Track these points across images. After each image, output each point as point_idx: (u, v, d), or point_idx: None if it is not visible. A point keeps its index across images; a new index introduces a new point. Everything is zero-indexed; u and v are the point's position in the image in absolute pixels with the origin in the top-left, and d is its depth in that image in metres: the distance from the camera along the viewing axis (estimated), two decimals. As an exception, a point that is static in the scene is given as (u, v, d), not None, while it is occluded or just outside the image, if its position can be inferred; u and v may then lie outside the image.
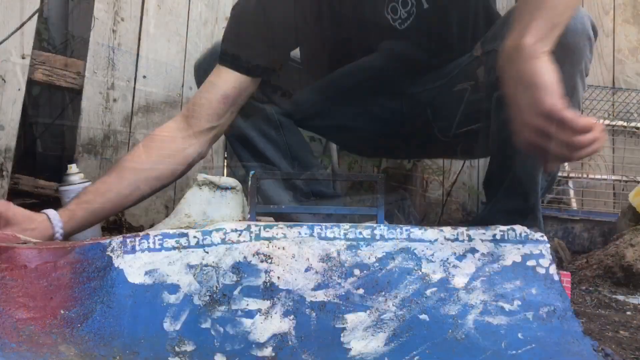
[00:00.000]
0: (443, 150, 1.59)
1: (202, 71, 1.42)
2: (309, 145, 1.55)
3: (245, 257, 0.78)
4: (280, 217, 1.36)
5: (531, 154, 0.88)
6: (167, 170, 1.18)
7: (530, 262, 0.78)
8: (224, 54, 1.26)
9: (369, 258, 0.79)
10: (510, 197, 1.18)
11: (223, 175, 2.59)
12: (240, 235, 0.79)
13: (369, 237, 0.80)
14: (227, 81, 1.24)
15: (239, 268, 0.77)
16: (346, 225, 0.81)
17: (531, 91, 0.82)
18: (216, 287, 0.76)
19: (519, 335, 0.72)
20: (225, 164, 2.61)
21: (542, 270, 0.78)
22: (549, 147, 0.81)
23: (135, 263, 0.76)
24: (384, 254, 0.79)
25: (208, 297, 0.75)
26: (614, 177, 2.96)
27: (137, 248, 0.77)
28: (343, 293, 0.76)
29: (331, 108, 1.45)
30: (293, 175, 1.36)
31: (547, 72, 0.82)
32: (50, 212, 1.04)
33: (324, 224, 0.81)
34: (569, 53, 0.99)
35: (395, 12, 1.23)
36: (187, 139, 1.21)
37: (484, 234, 0.80)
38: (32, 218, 1.01)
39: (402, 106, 1.39)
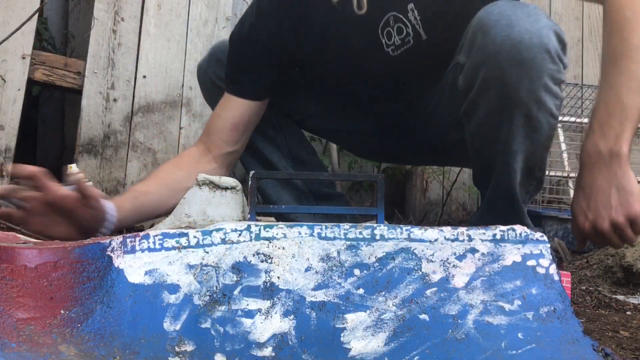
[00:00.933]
0: (443, 158, 1.59)
1: (203, 72, 1.42)
2: (310, 144, 1.55)
3: (245, 257, 0.78)
4: (281, 217, 1.36)
5: (594, 241, 1.05)
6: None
7: (530, 262, 0.78)
8: (229, 82, 1.29)
9: (369, 258, 0.79)
10: (492, 207, 1.18)
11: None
12: (240, 235, 0.79)
13: (369, 237, 0.80)
14: (236, 109, 1.27)
15: (239, 268, 0.77)
16: (346, 225, 0.81)
17: (624, 194, 0.98)
18: (216, 287, 0.76)
19: (519, 335, 0.72)
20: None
21: (542, 270, 0.78)
22: (613, 240, 1.00)
23: (135, 263, 0.76)
24: (384, 254, 0.79)
25: (208, 297, 0.75)
26: (614, 177, 2.96)
27: (137, 248, 0.78)
28: (343, 293, 0.76)
29: (328, 112, 1.45)
30: (293, 175, 1.36)
31: (635, 180, 0.99)
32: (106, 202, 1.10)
33: (324, 224, 0.81)
34: (526, 69, 1.00)
35: (390, 38, 1.21)
36: (209, 163, 1.27)
37: (484, 234, 0.80)
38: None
39: (401, 112, 1.39)
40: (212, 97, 1.41)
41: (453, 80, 1.17)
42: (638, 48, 1.00)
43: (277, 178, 1.37)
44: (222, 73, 1.34)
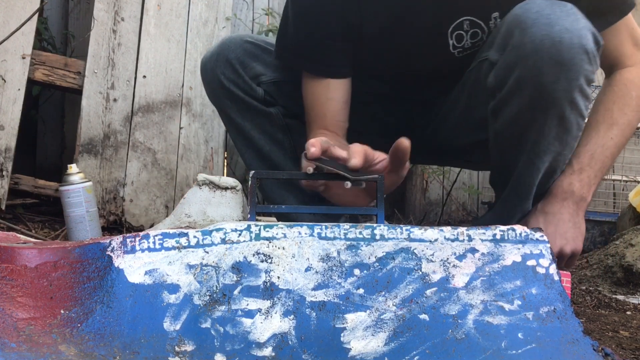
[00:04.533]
0: (451, 158, 1.57)
1: (209, 71, 1.37)
2: None
3: (245, 257, 0.78)
4: (284, 218, 1.35)
5: None
6: None
7: (530, 262, 0.78)
8: (320, 65, 1.24)
9: (369, 258, 0.79)
10: (508, 206, 1.18)
11: (223, 175, 2.58)
12: (240, 235, 0.79)
13: (369, 237, 0.80)
14: (340, 89, 1.24)
15: (239, 268, 0.77)
16: (346, 225, 0.81)
17: (578, 232, 1.14)
18: (216, 287, 0.76)
19: (519, 335, 0.72)
20: (225, 163, 2.61)
21: (542, 270, 0.78)
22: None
23: (135, 263, 0.76)
24: (384, 253, 0.79)
25: (208, 297, 0.75)
26: (614, 177, 2.96)
27: (137, 248, 0.78)
28: (343, 293, 0.76)
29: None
30: (293, 175, 1.35)
31: (584, 225, 1.17)
32: None
33: (324, 224, 0.81)
34: (565, 69, 1.00)
35: (459, 40, 1.20)
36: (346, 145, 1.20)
37: (484, 233, 0.80)
38: None
39: (418, 111, 1.37)
40: (218, 98, 1.37)
41: (476, 78, 1.17)
42: (630, 124, 1.17)
43: (277, 178, 1.36)
44: (232, 75, 1.32)
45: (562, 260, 1.14)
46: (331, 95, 1.24)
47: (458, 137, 1.32)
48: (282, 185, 1.41)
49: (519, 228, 0.81)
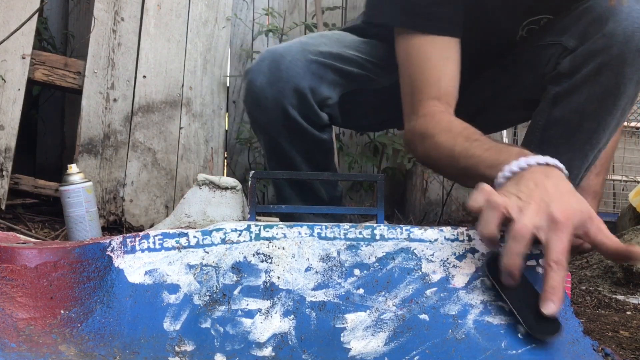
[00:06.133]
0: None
1: (271, 98, 1.21)
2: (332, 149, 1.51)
3: (245, 257, 0.78)
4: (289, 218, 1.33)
5: None
6: None
7: (530, 262, 0.78)
8: (432, 20, 1.10)
9: (369, 258, 0.79)
10: None
11: (223, 175, 2.58)
12: (240, 235, 0.79)
13: (369, 237, 0.80)
14: (452, 49, 1.11)
15: (239, 268, 0.77)
16: (346, 225, 0.81)
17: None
18: (216, 287, 0.76)
19: (519, 335, 0.72)
20: (225, 163, 2.61)
21: (542, 270, 0.78)
22: None
23: (135, 263, 0.76)
24: (384, 254, 0.79)
25: (208, 297, 0.75)
26: (614, 177, 2.96)
27: (137, 248, 0.77)
28: (343, 293, 0.76)
29: (386, 102, 1.33)
30: (293, 175, 1.35)
31: None
32: None
33: (324, 224, 0.81)
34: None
35: (530, 32, 1.21)
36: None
37: (484, 233, 0.80)
38: None
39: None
40: (276, 127, 1.23)
41: (531, 61, 1.17)
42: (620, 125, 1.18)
43: (277, 178, 1.36)
44: (300, 104, 1.20)
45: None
46: (449, 55, 1.10)
47: (488, 111, 1.31)
48: (300, 194, 1.37)
49: (519, 228, 0.81)
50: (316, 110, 1.24)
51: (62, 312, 0.72)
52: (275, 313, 0.74)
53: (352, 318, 0.74)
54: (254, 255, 0.78)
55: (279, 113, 1.21)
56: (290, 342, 0.72)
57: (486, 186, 0.76)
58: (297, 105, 1.21)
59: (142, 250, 0.77)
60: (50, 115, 2.70)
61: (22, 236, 0.89)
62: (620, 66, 1.04)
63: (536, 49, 1.18)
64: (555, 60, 1.12)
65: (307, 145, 1.29)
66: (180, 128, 2.33)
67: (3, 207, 2.07)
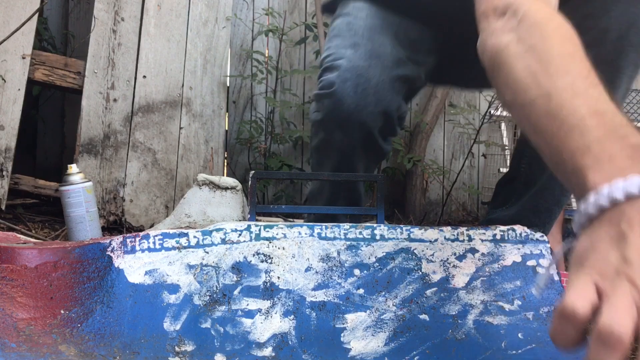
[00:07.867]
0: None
1: (355, 119, 1.18)
2: None
3: (245, 257, 0.78)
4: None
5: None
6: None
7: (530, 262, 0.78)
8: None
9: (369, 258, 0.79)
10: (541, 197, 1.18)
11: (223, 175, 2.58)
12: (240, 235, 0.79)
13: (369, 237, 0.80)
14: None
15: (239, 268, 0.77)
16: (346, 225, 0.81)
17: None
18: (216, 287, 0.76)
19: (519, 335, 0.72)
20: (225, 163, 2.61)
21: (542, 270, 0.78)
22: None
23: (136, 263, 0.76)
24: (384, 254, 0.79)
25: (208, 297, 0.75)
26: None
27: (137, 248, 0.77)
28: (343, 293, 0.76)
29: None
30: (293, 176, 1.35)
31: None
32: None
33: (324, 224, 0.81)
34: None
35: None
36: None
37: (484, 234, 0.80)
38: None
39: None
40: (352, 146, 1.20)
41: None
42: None
43: (277, 178, 1.36)
44: (385, 125, 1.19)
45: None
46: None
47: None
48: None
49: (519, 228, 0.81)
50: (395, 127, 1.24)
51: (62, 312, 0.72)
52: (276, 313, 0.74)
53: (352, 318, 0.74)
54: (254, 255, 0.78)
55: (363, 135, 1.19)
56: (290, 342, 0.72)
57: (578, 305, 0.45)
58: (381, 126, 1.20)
59: (142, 251, 0.77)
60: (50, 115, 2.70)
61: (22, 236, 0.89)
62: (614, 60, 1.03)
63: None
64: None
65: (373, 159, 1.29)
66: (180, 128, 2.33)
67: (3, 207, 2.07)
